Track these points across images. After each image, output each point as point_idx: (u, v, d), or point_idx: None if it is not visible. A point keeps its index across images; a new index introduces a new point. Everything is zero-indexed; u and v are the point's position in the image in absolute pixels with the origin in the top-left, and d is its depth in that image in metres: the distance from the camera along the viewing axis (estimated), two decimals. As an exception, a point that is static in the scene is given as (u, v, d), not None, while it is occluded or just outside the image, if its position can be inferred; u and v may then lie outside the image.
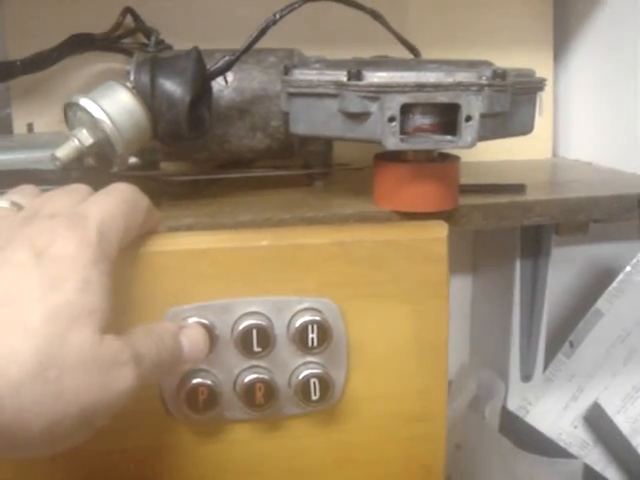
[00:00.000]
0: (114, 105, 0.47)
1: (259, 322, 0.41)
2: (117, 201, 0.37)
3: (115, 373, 0.33)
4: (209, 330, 0.41)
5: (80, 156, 0.47)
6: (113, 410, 0.33)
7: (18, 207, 0.38)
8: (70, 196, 0.38)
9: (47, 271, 0.32)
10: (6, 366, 0.30)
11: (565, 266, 0.85)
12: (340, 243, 0.42)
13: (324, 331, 0.41)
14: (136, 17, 0.62)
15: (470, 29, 0.72)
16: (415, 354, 0.43)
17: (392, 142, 0.46)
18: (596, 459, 0.82)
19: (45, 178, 0.50)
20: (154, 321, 0.39)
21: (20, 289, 0.32)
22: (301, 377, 0.42)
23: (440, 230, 0.43)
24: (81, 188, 0.39)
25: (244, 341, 0.41)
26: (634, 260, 0.77)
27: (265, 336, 0.41)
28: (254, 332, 0.41)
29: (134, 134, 0.47)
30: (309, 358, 0.42)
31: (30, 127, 0.63)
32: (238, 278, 0.42)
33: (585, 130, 0.75)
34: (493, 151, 0.70)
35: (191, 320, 0.41)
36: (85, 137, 0.47)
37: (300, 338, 0.42)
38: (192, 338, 0.39)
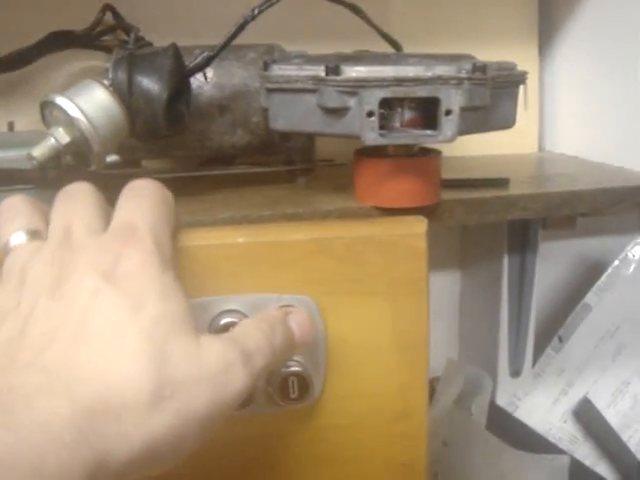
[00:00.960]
0: (90, 103, 0.46)
1: (237, 320, 0.41)
2: (154, 203, 0.36)
3: (225, 376, 0.32)
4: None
5: (57, 155, 0.47)
6: (229, 411, 0.32)
7: (33, 233, 0.35)
8: (85, 203, 0.36)
9: (124, 291, 0.31)
10: (124, 395, 0.29)
11: (553, 261, 0.84)
12: (318, 240, 0.42)
13: None
14: (116, 14, 0.61)
15: (454, 23, 0.72)
16: (395, 351, 0.43)
17: (371, 137, 0.46)
18: (586, 454, 0.82)
19: (23, 177, 0.50)
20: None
21: (107, 316, 0.31)
22: (279, 375, 0.42)
23: (419, 225, 0.43)
24: (83, 190, 0.37)
25: (221, 339, 0.41)
26: (622, 254, 0.77)
27: (242, 334, 0.41)
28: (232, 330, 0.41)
29: (111, 132, 0.47)
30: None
31: (11, 126, 0.62)
32: (215, 276, 0.41)
33: (571, 124, 0.75)
34: (478, 145, 0.70)
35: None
36: (62, 136, 0.46)
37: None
38: (300, 322, 0.38)
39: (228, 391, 0.32)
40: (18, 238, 0.35)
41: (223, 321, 0.41)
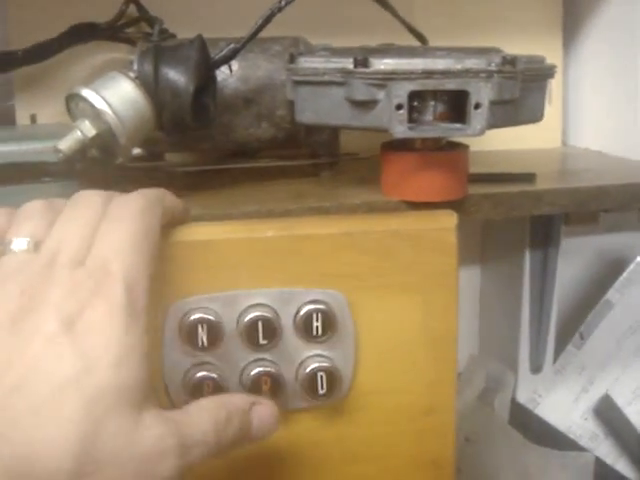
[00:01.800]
0: (116, 96, 0.46)
1: (265, 314, 0.41)
2: (136, 235, 0.34)
3: (154, 466, 0.31)
4: (214, 323, 0.40)
5: (83, 148, 0.46)
6: None
7: (36, 243, 0.34)
8: (85, 220, 0.35)
9: (79, 348, 0.30)
10: (46, 464, 0.29)
11: (575, 257, 0.84)
12: (347, 233, 0.41)
13: (328, 318, 0.41)
14: (139, 6, 0.61)
15: (478, 16, 0.71)
16: (424, 346, 0.43)
17: (400, 130, 0.45)
18: (607, 451, 0.81)
19: (49, 170, 0.50)
20: (158, 314, 0.38)
21: (52, 371, 0.30)
22: (308, 370, 0.41)
23: (449, 220, 0.43)
24: (93, 201, 0.36)
25: (250, 333, 0.40)
26: (645, 250, 0.76)
27: (271, 328, 0.41)
28: (260, 324, 0.40)
29: (137, 125, 0.47)
30: (316, 351, 0.42)
31: (33, 118, 0.62)
32: (243, 269, 0.41)
33: (595, 118, 0.74)
34: (502, 140, 0.69)
35: (195, 314, 0.40)
36: (88, 129, 0.46)
37: (305, 327, 0.41)
38: (263, 417, 0.37)
39: (155, 477, 0.31)
40: (19, 244, 0.34)
41: (251, 315, 0.41)
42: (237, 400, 0.37)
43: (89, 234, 0.34)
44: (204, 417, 0.34)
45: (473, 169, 0.53)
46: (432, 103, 0.47)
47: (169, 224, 0.39)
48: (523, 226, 0.76)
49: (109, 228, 0.34)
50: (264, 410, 0.37)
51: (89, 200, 0.36)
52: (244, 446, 0.37)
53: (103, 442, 0.30)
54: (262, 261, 0.41)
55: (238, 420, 0.36)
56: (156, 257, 0.35)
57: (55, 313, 0.31)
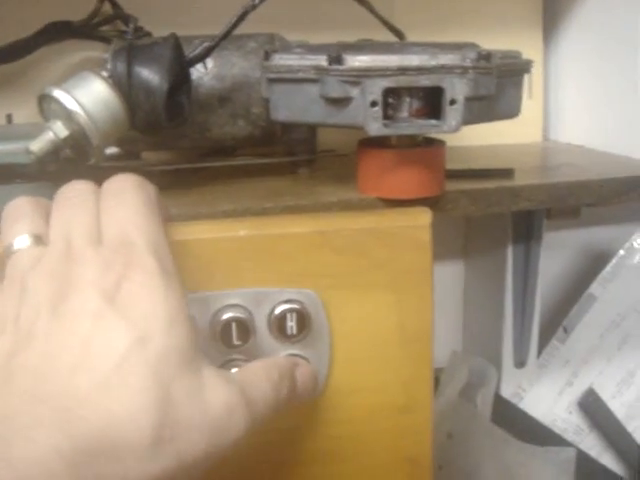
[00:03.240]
0: (88, 96, 0.45)
1: (239, 315, 0.40)
2: (141, 205, 0.34)
3: (227, 422, 0.31)
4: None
5: (56, 149, 0.46)
6: (226, 453, 0.32)
7: (37, 238, 0.34)
8: (83, 204, 0.35)
9: (128, 318, 0.30)
10: (126, 436, 0.28)
11: (558, 251, 0.84)
12: (321, 232, 0.41)
13: (302, 318, 0.41)
14: (114, 4, 0.60)
15: (457, 11, 0.71)
16: (399, 344, 0.42)
17: (375, 127, 0.45)
18: (591, 445, 0.81)
19: (21, 172, 0.49)
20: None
21: (110, 344, 0.30)
22: (283, 370, 0.41)
23: (424, 217, 0.42)
24: (83, 188, 0.36)
25: (224, 334, 0.40)
26: (627, 244, 0.76)
27: (245, 329, 0.40)
28: (233, 325, 0.40)
29: (110, 125, 0.46)
30: (291, 350, 0.41)
31: (9, 118, 0.62)
32: (217, 269, 0.41)
33: (576, 113, 0.74)
34: (482, 135, 0.69)
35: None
36: (60, 129, 0.45)
37: (279, 327, 0.41)
38: (304, 376, 0.38)
39: (228, 436, 0.31)
40: (22, 242, 0.34)
41: (225, 316, 0.40)
42: (283, 361, 0.38)
43: (93, 215, 0.34)
44: (262, 376, 0.35)
45: (452, 165, 0.53)
46: (407, 99, 0.46)
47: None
48: (505, 221, 0.76)
49: (111, 204, 0.35)
50: (305, 370, 0.39)
51: (78, 187, 0.37)
52: (293, 405, 0.37)
53: (175, 406, 0.30)
54: (235, 261, 0.41)
55: (288, 379, 0.37)
56: (162, 223, 0.35)
57: (94, 290, 0.31)
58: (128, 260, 0.32)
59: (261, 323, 0.41)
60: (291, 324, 0.41)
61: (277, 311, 0.41)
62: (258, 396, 0.34)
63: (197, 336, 0.32)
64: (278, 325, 0.41)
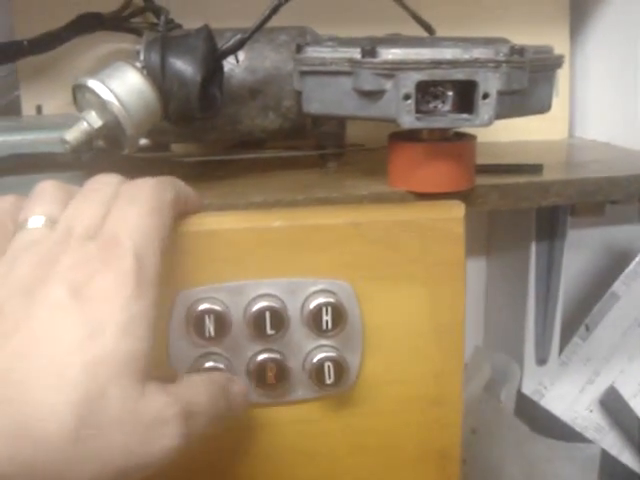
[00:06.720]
0: (123, 86, 0.46)
1: (272, 304, 0.40)
2: (147, 212, 0.34)
3: (157, 432, 0.31)
4: (221, 314, 0.40)
5: (89, 139, 0.46)
6: (153, 469, 0.31)
7: (52, 222, 0.35)
8: (99, 199, 0.35)
9: (85, 314, 0.30)
10: (45, 426, 0.28)
11: (581, 248, 0.84)
12: (355, 224, 0.41)
13: (339, 313, 0.41)
14: (145, -4, 0.61)
15: (483, 6, 0.71)
16: (431, 337, 0.43)
17: (407, 120, 0.45)
18: (612, 443, 0.81)
19: (55, 161, 0.49)
20: (166, 303, 0.38)
21: (58, 336, 0.30)
22: (315, 360, 0.41)
23: (457, 210, 0.42)
24: (108, 182, 0.37)
25: (257, 323, 0.40)
26: (651, 242, 0.76)
27: (278, 318, 0.40)
28: (267, 314, 0.40)
29: (144, 115, 0.47)
30: (323, 341, 0.42)
31: (39, 109, 0.62)
32: (250, 259, 0.41)
33: (602, 110, 0.74)
34: (509, 131, 0.69)
35: (203, 305, 0.40)
36: (94, 119, 0.46)
37: (314, 321, 0.41)
38: (238, 393, 0.38)
39: (156, 447, 0.31)
40: (35, 222, 0.35)
41: (258, 305, 0.40)
42: (219, 377, 0.38)
43: (102, 212, 0.35)
44: (201, 390, 0.35)
45: (480, 160, 0.53)
46: (440, 93, 0.46)
47: (183, 212, 0.39)
48: (529, 218, 0.76)
49: (121, 206, 0.35)
50: (238, 387, 0.39)
51: (104, 181, 0.37)
52: (228, 420, 0.37)
53: (105, 407, 0.30)
54: (269, 251, 0.41)
55: (223, 396, 0.37)
56: (167, 239, 0.35)
57: (62, 281, 0.31)
58: (108, 257, 0.32)
59: (294, 313, 0.41)
60: (326, 318, 0.40)
61: (312, 304, 0.41)
62: (195, 410, 0.33)
63: (152, 348, 0.32)
64: (313, 319, 0.41)
